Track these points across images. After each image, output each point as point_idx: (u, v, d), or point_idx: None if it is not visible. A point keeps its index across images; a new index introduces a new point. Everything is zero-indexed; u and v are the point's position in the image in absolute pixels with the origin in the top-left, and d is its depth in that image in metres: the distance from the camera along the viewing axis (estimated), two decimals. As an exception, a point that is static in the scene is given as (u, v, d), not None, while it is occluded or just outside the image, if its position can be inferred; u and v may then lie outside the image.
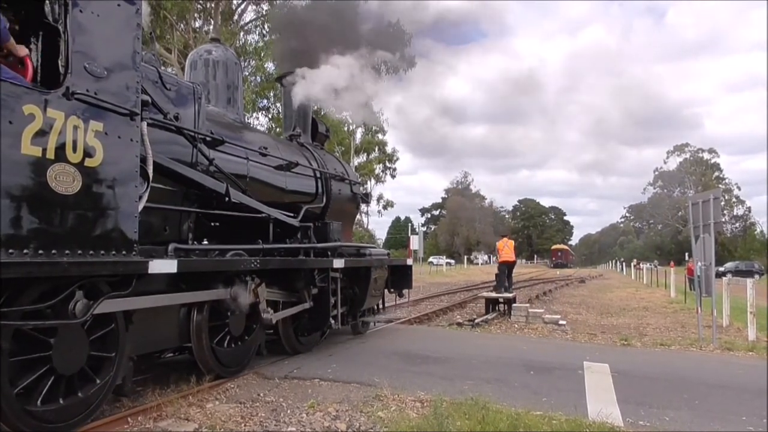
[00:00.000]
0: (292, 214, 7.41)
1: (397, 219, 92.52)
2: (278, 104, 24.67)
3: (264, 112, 27.55)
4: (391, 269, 9.74)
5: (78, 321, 4.04)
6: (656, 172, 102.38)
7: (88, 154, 3.90)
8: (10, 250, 3.39)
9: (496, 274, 15.38)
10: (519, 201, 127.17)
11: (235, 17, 25.44)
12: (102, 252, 4.01)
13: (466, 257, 72.11)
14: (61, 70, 3.90)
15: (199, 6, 23.62)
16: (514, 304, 13.14)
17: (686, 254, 41.89)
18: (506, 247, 15.14)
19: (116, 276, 4.29)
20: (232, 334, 6.17)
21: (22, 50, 3.88)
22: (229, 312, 6.07)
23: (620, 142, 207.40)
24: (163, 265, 4.68)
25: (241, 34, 25.24)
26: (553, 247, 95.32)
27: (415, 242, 22.37)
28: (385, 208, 50.71)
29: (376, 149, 45.78)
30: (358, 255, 8.76)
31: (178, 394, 5.28)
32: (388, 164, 48.31)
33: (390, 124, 41.89)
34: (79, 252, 3.83)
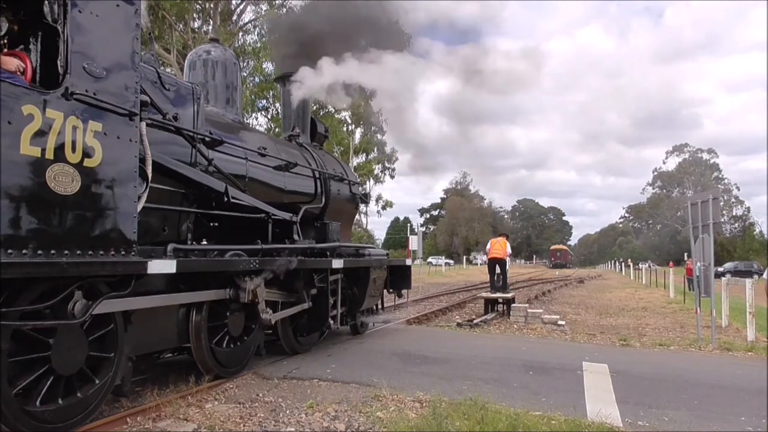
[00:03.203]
0: (291, 214, 7.41)
1: (396, 219, 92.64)
2: (277, 104, 24.69)
3: (263, 112, 27.59)
4: (390, 269, 9.74)
5: (77, 321, 4.04)
6: (655, 173, 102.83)
7: (87, 154, 3.90)
8: (9, 251, 3.39)
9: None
10: (518, 201, 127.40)
11: (234, 17, 25.45)
12: (101, 252, 4.01)
13: (465, 257, 72.14)
14: (60, 70, 3.89)
15: (197, 6, 23.62)
16: (513, 305, 13.14)
17: (685, 254, 41.90)
18: (497, 243, 14.88)
19: (115, 276, 4.29)
20: (231, 334, 6.17)
21: (11, 63, 3.79)
22: (228, 312, 6.08)
23: (619, 142, 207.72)
24: (162, 266, 4.68)
25: (240, 34, 25.26)
26: (552, 247, 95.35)
27: (414, 242, 22.39)
28: (384, 208, 50.61)
29: (375, 149, 45.70)
30: (357, 255, 8.76)
31: (177, 395, 5.27)
32: (387, 164, 48.25)
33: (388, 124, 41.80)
34: (78, 252, 3.83)
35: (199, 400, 5.29)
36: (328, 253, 7.79)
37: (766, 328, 11.46)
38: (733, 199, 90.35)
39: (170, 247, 5.07)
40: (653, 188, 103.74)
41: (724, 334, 11.41)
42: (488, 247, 15.26)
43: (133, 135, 4.35)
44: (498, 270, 14.78)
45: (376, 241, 57.41)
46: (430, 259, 64.49)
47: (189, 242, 5.77)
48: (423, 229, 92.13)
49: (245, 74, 23.64)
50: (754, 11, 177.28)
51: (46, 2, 4.14)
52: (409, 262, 10.64)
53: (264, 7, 25.36)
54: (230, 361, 6.15)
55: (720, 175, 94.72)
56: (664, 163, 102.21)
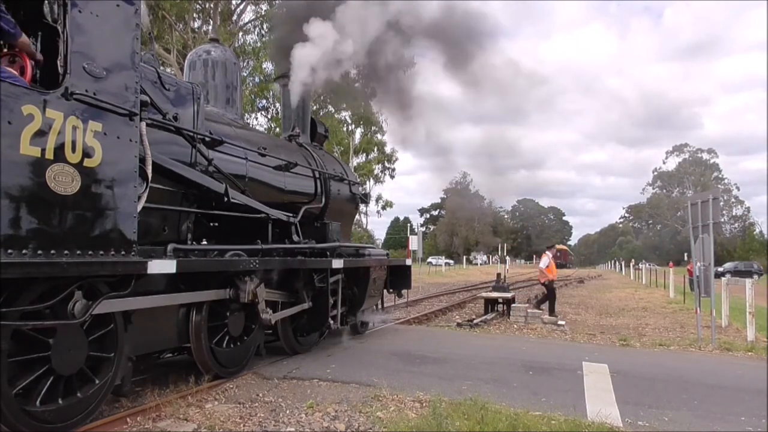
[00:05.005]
0: (291, 214, 7.42)
1: (396, 219, 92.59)
2: (277, 104, 24.70)
3: (263, 112, 27.59)
4: (390, 269, 9.74)
5: (77, 321, 4.04)
6: (655, 173, 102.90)
7: (87, 154, 3.90)
8: (9, 251, 3.39)
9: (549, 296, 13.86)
10: (518, 201, 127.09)
11: (234, 17, 25.45)
12: (101, 252, 4.01)
13: (465, 257, 72.12)
14: (60, 70, 3.89)
15: (197, 6, 23.62)
16: (513, 305, 13.14)
17: (685, 254, 41.87)
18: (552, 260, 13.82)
19: (115, 276, 4.28)
20: (231, 334, 6.16)
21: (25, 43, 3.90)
22: (228, 312, 6.07)
23: (619, 142, 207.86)
24: (162, 266, 4.68)
25: (240, 34, 25.26)
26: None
27: (414, 242, 22.37)
28: (384, 208, 50.57)
29: (375, 149, 45.69)
30: (357, 255, 8.76)
31: (177, 395, 5.27)
32: (387, 164, 48.22)
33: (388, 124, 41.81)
34: (78, 252, 3.83)
35: (199, 400, 5.29)
36: (328, 253, 7.79)
37: (766, 328, 11.46)
38: (733, 199, 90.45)
39: (170, 247, 5.07)
40: (653, 188, 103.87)
41: (724, 334, 11.41)
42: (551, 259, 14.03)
43: (133, 135, 4.35)
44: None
45: (376, 241, 57.36)
46: (430, 259, 64.44)
47: (189, 242, 5.77)
48: (423, 229, 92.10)
49: (245, 74, 23.64)
50: (754, 11, 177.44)
51: (46, 2, 4.14)
52: (409, 262, 10.64)
53: (264, 7, 25.38)
54: (230, 361, 6.15)
55: (720, 175, 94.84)
56: (664, 163, 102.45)
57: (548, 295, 13.89)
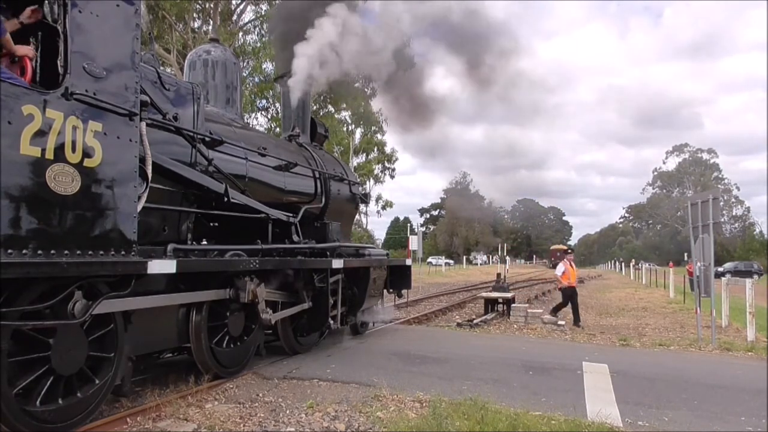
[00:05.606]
0: (291, 214, 7.42)
1: (396, 219, 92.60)
2: (277, 104, 24.68)
3: (263, 112, 27.59)
4: (390, 269, 9.74)
5: (77, 321, 4.04)
6: (655, 173, 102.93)
7: (87, 154, 3.90)
8: (9, 251, 3.39)
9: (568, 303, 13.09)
10: (518, 201, 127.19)
11: (234, 17, 25.45)
12: (101, 252, 4.00)
13: (465, 257, 72.12)
14: (60, 70, 3.89)
15: (197, 6, 23.62)
16: (512, 305, 13.13)
17: (685, 254, 41.86)
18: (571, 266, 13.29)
19: (115, 276, 4.28)
20: (231, 334, 6.17)
21: (20, 49, 3.88)
22: (228, 312, 6.08)
23: (619, 142, 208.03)
24: (162, 266, 4.68)
25: (240, 34, 25.26)
26: (552, 247, 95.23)
27: (414, 242, 22.37)
28: (384, 208, 50.49)
29: (375, 149, 45.68)
30: (357, 255, 8.76)
31: (177, 395, 5.28)
32: (387, 164, 48.18)
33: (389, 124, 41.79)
34: (78, 252, 3.83)
35: (199, 400, 5.29)
36: (328, 253, 7.79)
37: (766, 328, 11.46)
38: (733, 199, 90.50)
39: (170, 247, 5.07)
40: (653, 188, 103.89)
41: (724, 334, 11.40)
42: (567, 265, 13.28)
43: (133, 135, 4.35)
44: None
45: (376, 241, 57.29)
46: (430, 259, 64.43)
47: (189, 242, 5.77)
48: (423, 229, 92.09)
49: (245, 74, 23.63)
50: (754, 11, 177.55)
51: (46, 2, 4.14)
52: (409, 262, 10.64)
53: (264, 6, 25.37)
54: (230, 361, 6.15)
55: (720, 175, 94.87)
56: (664, 163, 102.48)
57: (563, 300, 13.77)
